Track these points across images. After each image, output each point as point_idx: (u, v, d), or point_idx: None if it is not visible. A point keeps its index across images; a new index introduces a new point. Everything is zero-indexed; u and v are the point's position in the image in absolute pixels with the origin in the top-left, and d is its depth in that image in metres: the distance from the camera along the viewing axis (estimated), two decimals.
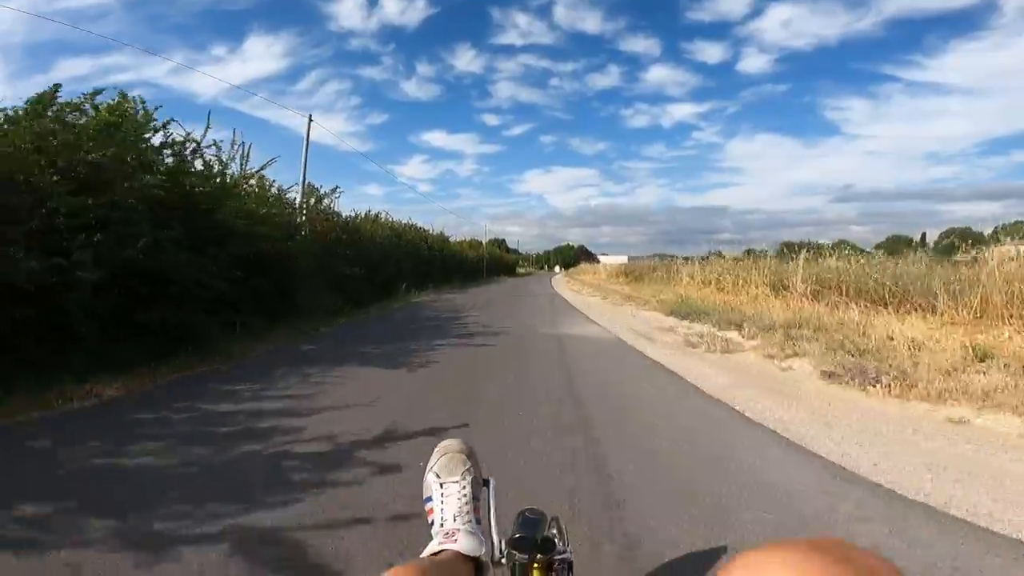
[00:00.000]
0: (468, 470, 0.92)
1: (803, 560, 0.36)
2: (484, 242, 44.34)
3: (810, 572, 0.35)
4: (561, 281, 32.75)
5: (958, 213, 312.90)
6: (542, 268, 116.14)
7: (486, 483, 0.95)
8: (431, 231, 27.89)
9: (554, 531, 0.97)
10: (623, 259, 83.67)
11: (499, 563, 0.84)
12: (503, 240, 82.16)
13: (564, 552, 0.85)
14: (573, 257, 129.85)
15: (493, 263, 48.06)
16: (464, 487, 0.90)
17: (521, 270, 76.26)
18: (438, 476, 0.92)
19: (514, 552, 0.81)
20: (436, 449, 0.97)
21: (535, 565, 0.80)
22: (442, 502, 0.89)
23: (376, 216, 19.51)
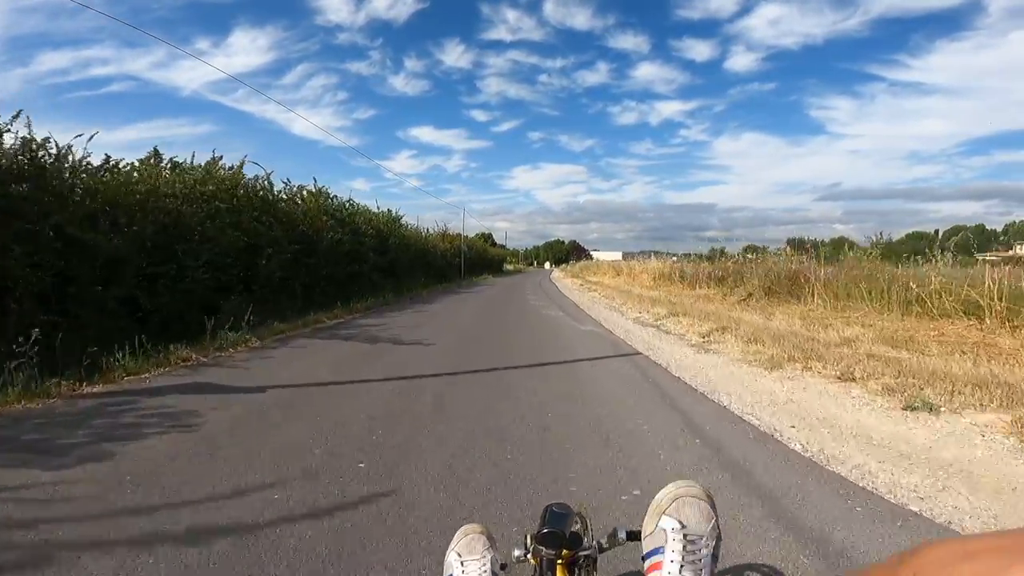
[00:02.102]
0: (488, 549, 0.92)
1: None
2: (463, 233, 33.88)
3: None
4: (571, 287, 22.36)
5: (942, 212, 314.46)
6: (531, 264, 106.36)
7: (504, 567, 0.92)
8: (377, 210, 17.69)
9: (579, 526, 0.92)
10: (617, 255, 74.83)
11: (525, 558, 0.85)
12: (489, 234, 72.19)
13: (589, 548, 0.82)
14: (564, 253, 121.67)
15: (475, 259, 37.74)
16: (484, 565, 0.89)
17: (509, 267, 66.19)
18: (459, 555, 0.91)
19: (541, 547, 0.80)
20: (457, 532, 0.96)
21: (559, 561, 0.79)
22: None
23: (205, 167, 9.08)
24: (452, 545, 0.93)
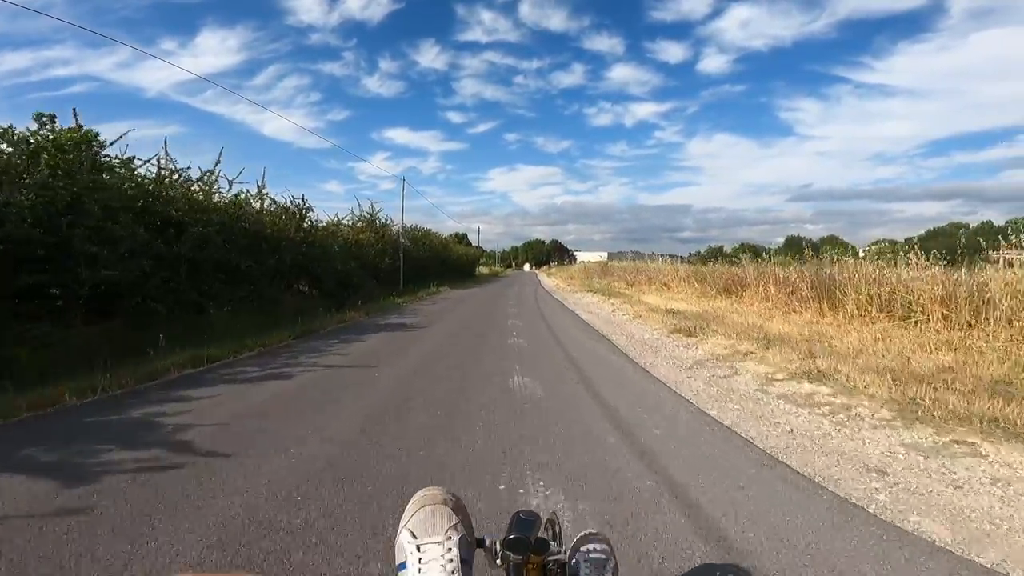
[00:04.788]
0: (455, 526, 0.70)
1: None
2: (402, 218, 22.35)
3: None
4: (617, 329, 10.88)
5: (908, 212, 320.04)
6: (509, 267, 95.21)
7: (480, 543, 0.74)
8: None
9: (548, 532, 0.87)
10: (602, 255, 64.61)
11: (494, 565, 0.74)
12: (464, 235, 61.41)
13: (558, 553, 0.78)
14: (545, 254, 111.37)
15: (429, 259, 26.18)
16: (450, 550, 0.66)
17: (484, 269, 54.83)
18: (414, 536, 0.68)
19: (508, 553, 0.72)
20: (412, 500, 0.74)
21: (529, 566, 0.74)
22: (419, 570, 0.65)
23: None
24: (404, 520, 0.70)
